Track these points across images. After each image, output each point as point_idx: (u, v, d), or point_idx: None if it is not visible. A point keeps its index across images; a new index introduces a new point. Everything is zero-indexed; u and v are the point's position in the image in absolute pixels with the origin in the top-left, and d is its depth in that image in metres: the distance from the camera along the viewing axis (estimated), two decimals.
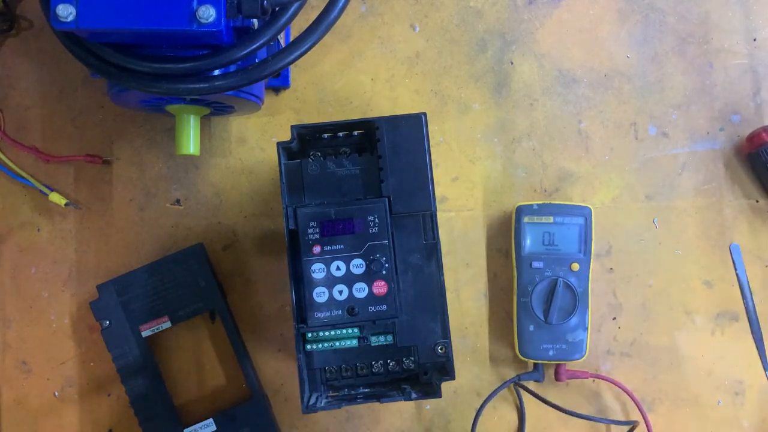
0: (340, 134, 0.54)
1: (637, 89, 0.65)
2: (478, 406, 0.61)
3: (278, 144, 0.53)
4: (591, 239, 0.61)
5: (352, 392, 0.55)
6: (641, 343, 0.64)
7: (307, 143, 0.55)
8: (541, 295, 0.60)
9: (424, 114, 0.53)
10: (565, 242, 0.61)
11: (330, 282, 0.52)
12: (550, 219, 0.61)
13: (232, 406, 0.61)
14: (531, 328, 0.60)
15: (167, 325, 0.61)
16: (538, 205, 0.61)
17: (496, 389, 0.61)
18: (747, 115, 0.65)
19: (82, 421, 0.62)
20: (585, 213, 0.61)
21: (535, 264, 0.60)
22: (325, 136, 0.54)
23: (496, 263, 0.64)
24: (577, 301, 0.60)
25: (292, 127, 0.52)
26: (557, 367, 0.61)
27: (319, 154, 0.55)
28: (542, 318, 0.60)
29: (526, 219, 0.61)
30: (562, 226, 0.61)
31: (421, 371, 0.54)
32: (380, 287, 0.52)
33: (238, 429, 0.60)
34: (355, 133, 0.54)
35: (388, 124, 0.53)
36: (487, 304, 0.63)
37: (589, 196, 0.64)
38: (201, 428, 0.60)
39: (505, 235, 0.63)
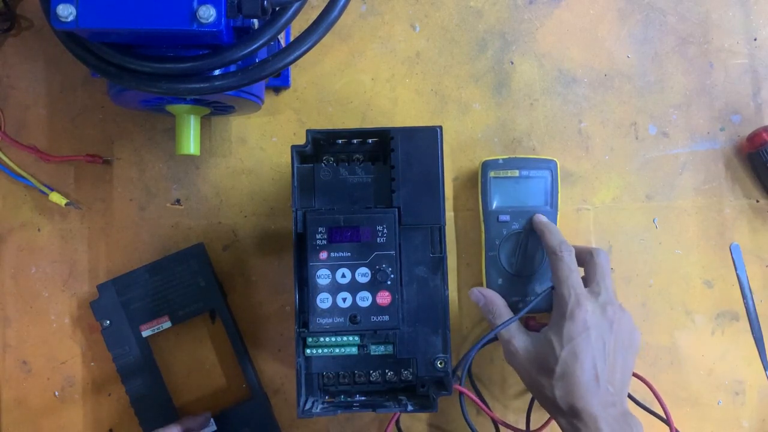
0: (354, 141, 0.55)
1: (637, 89, 0.65)
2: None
3: (292, 147, 0.53)
4: (557, 191, 0.61)
5: (349, 399, 0.55)
6: (641, 342, 0.63)
7: (320, 148, 0.55)
8: (508, 249, 0.61)
9: (440, 127, 0.53)
10: (531, 195, 0.61)
11: (334, 288, 0.52)
12: (516, 173, 0.61)
13: (232, 406, 0.62)
14: (499, 281, 0.61)
15: (167, 325, 0.61)
16: (503, 159, 0.61)
17: (478, 343, 0.56)
18: (747, 115, 0.65)
19: (83, 421, 0.62)
20: (551, 166, 0.61)
21: (502, 218, 0.60)
22: (339, 141, 0.55)
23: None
24: (544, 252, 0.60)
25: (308, 131, 0.53)
26: (527, 319, 0.61)
27: (332, 159, 0.55)
28: (510, 271, 0.60)
29: (492, 174, 0.61)
30: (528, 180, 0.61)
31: (419, 384, 0.54)
32: (384, 297, 0.52)
33: (238, 429, 0.61)
34: (370, 141, 0.55)
35: (404, 135, 0.53)
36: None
37: (589, 196, 0.64)
38: None
39: None
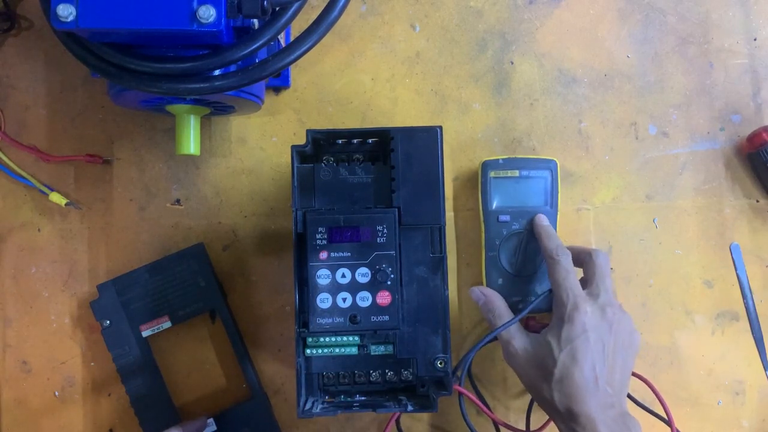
0: (354, 141, 0.55)
1: (637, 89, 0.65)
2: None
3: (292, 147, 0.53)
4: (557, 191, 0.61)
5: (349, 399, 0.55)
6: (641, 342, 0.63)
7: (320, 148, 0.55)
8: (508, 249, 0.60)
9: (440, 127, 0.53)
10: (531, 195, 0.61)
11: (334, 289, 0.52)
12: (516, 173, 0.61)
13: (232, 406, 0.62)
14: (499, 281, 0.61)
15: (167, 325, 0.61)
16: (503, 159, 0.61)
17: (478, 344, 0.56)
18: (747, 115, 0.65)
19: (83, 421, 0.62)
20: (551, 166, 0.61)
21: (502, 218, 0.60)
22: (339, 141, 0.55)
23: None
24: None
25: (308, 131, 0.53)
26: (527, 319, 0.61)
27: (332, 159, 0.55)
28: (510, 271, 0.60)
29: (492, 174, 0.61)
30: (529, 180, 0.61)
31: (419, 384, 0.54)
32: (384, 297, 0.52)
33: (238, 429, 0.61)
34: (370, 141, 0.55)
35: (403, 135, 0.53)
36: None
37: (589, 196, 0.64)
38: None
39: None
